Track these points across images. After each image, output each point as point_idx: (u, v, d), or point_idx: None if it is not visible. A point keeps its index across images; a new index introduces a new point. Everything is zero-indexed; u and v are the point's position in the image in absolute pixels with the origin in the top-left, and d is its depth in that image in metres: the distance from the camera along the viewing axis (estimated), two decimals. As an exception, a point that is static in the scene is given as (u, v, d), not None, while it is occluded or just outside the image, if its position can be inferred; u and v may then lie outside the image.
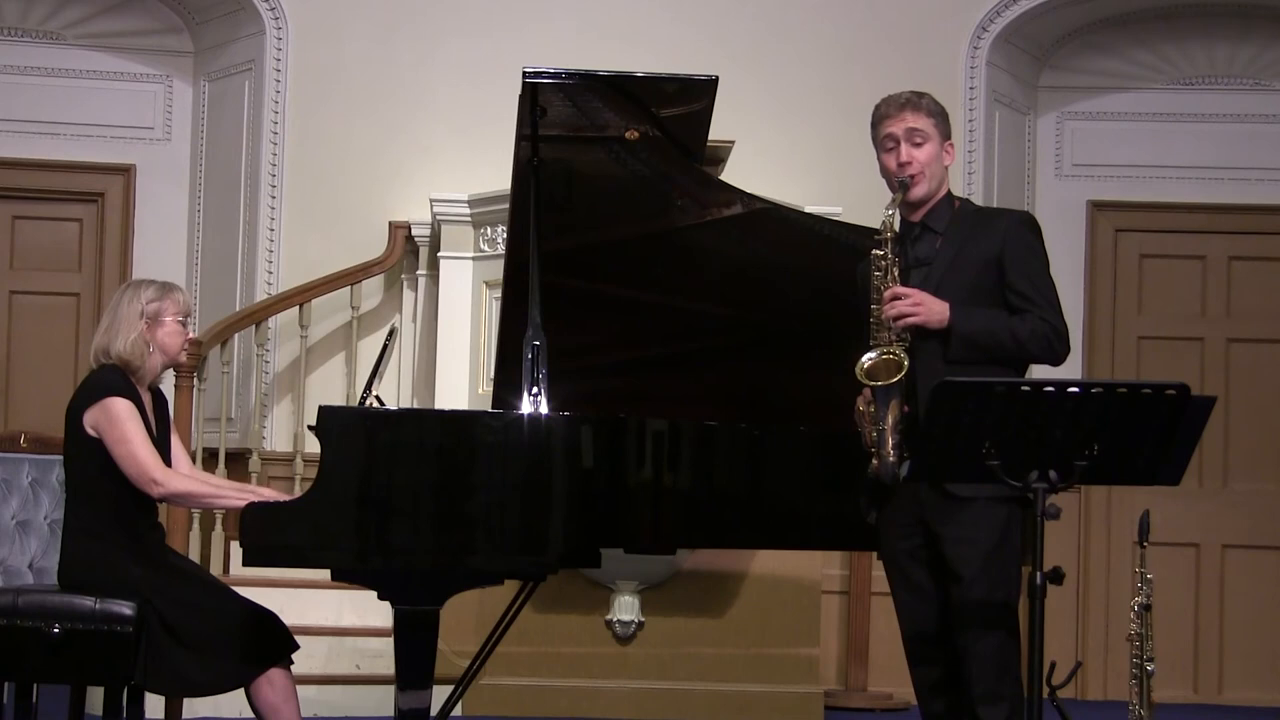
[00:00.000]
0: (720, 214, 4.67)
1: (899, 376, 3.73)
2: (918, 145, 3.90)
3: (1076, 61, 7.65)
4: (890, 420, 3.75)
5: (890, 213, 3.84)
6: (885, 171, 3.96)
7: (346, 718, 6.04)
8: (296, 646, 4.35)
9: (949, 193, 3.99)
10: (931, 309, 3.78)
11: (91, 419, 4.32)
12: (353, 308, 6.92)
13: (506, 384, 4.50)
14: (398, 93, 7.23)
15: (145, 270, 7.35)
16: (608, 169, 4.53)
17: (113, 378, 4.37)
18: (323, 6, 7.27)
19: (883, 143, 3.94)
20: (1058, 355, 3.85)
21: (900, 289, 3.80)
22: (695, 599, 6.24)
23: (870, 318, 3.82)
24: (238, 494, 4.36)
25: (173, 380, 5.53)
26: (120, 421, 4.30)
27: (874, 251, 3.84)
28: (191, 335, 4.63)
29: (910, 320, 3.78)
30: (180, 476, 4.43)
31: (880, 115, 3.95)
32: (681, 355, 4.85)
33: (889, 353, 3.76)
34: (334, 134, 7.21)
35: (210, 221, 7.44)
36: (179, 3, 7.47)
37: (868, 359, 3.78)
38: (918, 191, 3.90)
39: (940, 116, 3.94)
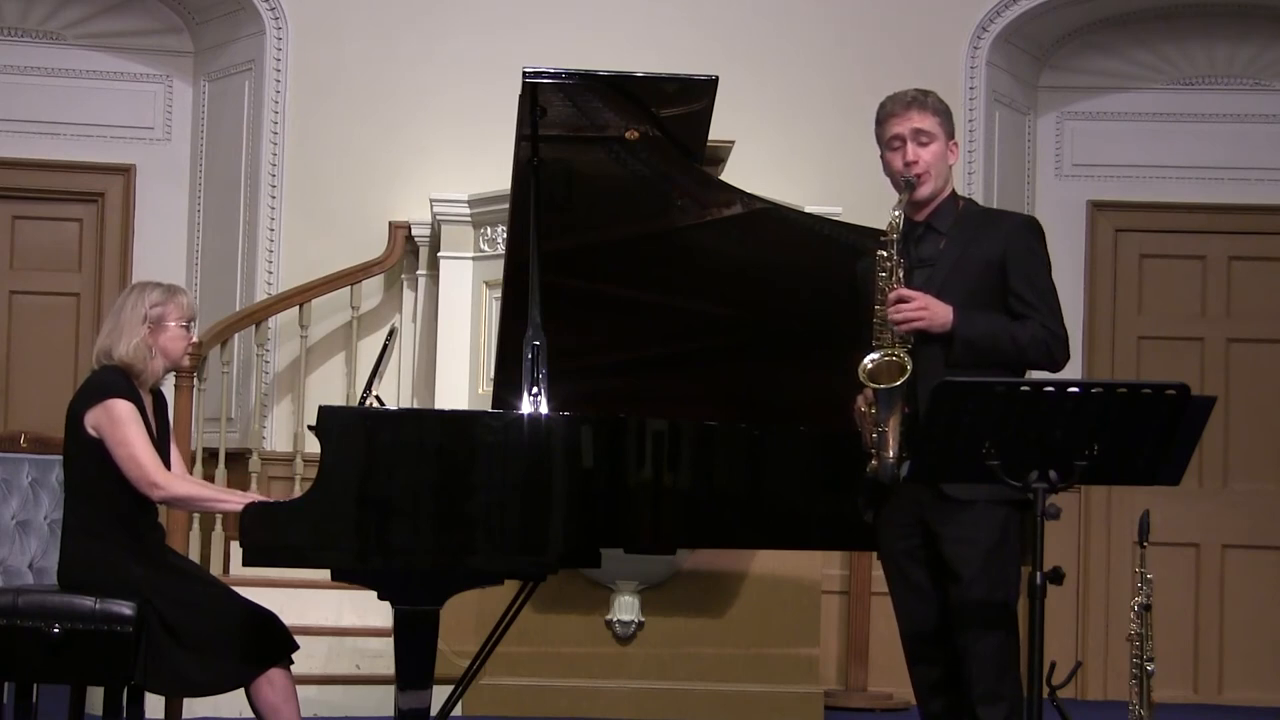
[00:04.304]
0: (720, 214, 4.67)
1: (902, 380, 3.73)
2: (924, 145, 3.89)
3: (1076, 61, 7.65)
4: (892, 422, 3.74)
5: (897, 213, 3.83)
6: (889, 170, 3.95)
7: (346, 718, 6.04)
8: (296, 647, 4.35)
9: (953, 192, 3.98)
10: (936, 313, 3.78)
11: (93, 419, 4.32)
12: (353, 308, 6.92)
13: (506, 384, 4.49)
14: (398, 93, 7.23)
15: (145, 270, 7.35)
16: (608, 169, 4.53)
17: (115, 379, 4.37)
18: (323, 6, 7.27)
19: (889, 142, 3.93)
20: (1057, 362, 3.86)
21: (905, 291, 3.79)
22: (695, 599, 6.24)
23: (874, 318, 3.82)
24: (237, 498, 4.36)
25: (173, 381, 5.52)
26: (122, 423, 4.30)
27: (879, 252, 3.83)
28: (194, 339, 4.63)
29: (915, 325, 3.77)
30: (180, 480, 4.45)
31: (885, 114, 3.94)
32: (681, 355, 4.85)
33: (892, 355, 3.76)
34: (334, 134, 7.21)
35: (210, 221, 7.44)
36: (179, 3, 7.47)
37: (870, 360, 3.77)
38: (923, 191, 3.89)
39: (945, 115, 3.93)
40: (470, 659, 5.00)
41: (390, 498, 3.97)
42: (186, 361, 4.81)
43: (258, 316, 6.81)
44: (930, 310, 3.78)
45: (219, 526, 6.52)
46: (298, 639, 4.39)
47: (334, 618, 6.32)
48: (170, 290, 4.50)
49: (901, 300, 3.78)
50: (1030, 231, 3.94)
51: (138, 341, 4.40)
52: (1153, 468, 3.54)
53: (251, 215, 7.22)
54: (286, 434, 7.01)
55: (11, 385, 7.48)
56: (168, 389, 4.73)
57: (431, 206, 6.67)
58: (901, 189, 3.88)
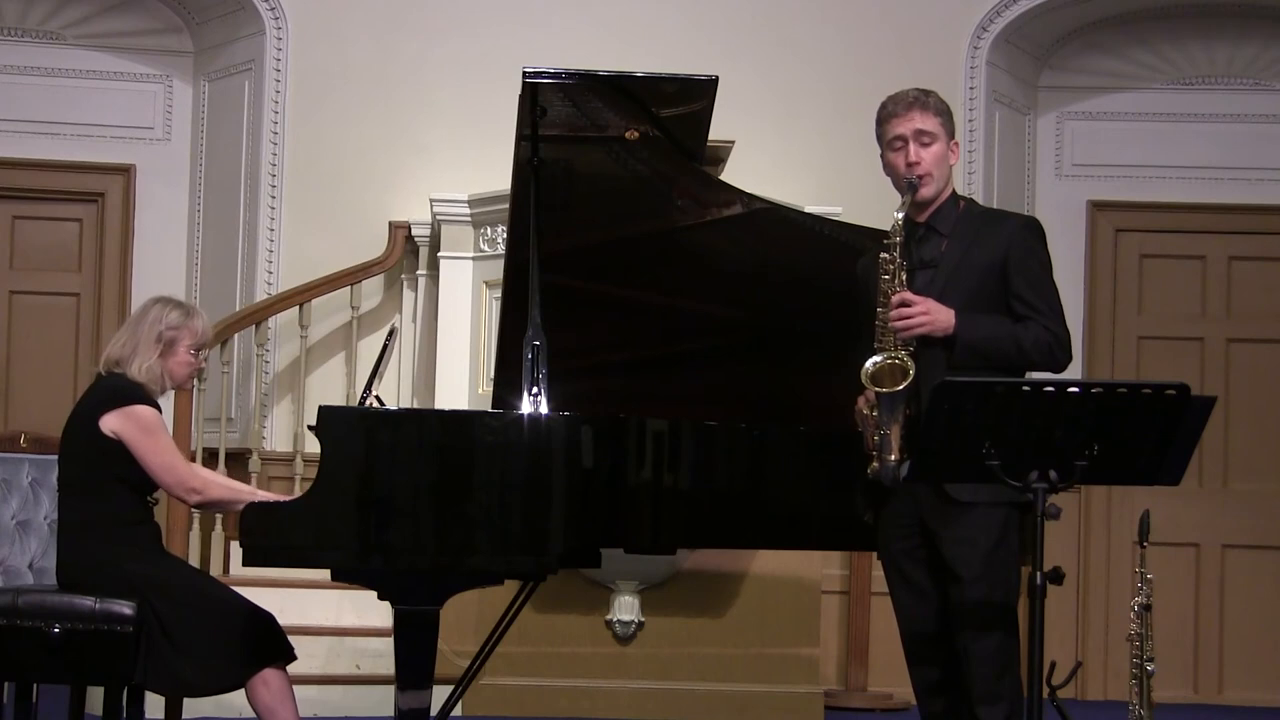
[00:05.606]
0: (720, 214, 4.67)
1: (905, 384, 3.72)
2: (925, 145, 3.88)
3: (1076, 61, 7.65)
4: (894, 426, 3.74)
5: (899, 215, 3.82)
6: (891, 170, 3.94)
7: (346, 718, 6.04)
8: (290, 649, 4.34)
9: (954, 193, 3.98)
10: (938, 318, 3.77)
11: (115, 424, 4.32)
12: (353, 308, 6.92)
13: (506, 384, 4.49)
14: (398, 93, 7.23)
15: (145, 270, 7.38)
16: (608, 169, 4.53)
17: (133, 386, 4.39)
18: (323, 6, 7.27)
19: (891, 143, 3.92)
20: (1059, 363, 3.85)
21: (908, 295, 3.78)
22: (695, 599, 6.24)
23: (876, 320, 3.81)
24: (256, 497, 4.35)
25: (172, 380, 5.54)
26: (155, 432, 4.33)
27: (881, 255, 3.82)
28: (202, 365, 4.65)
29: (918, 331, 3.77)
30: (215, 484, 4.46)
31: (887, 114, 3.93)
32: (681, 355, 4.84)
33: (894, 358, 3.75)
34: (334, 134, 7.21)
35: (210, 221, 7.44)
36: (179, 3, 7.47)
37: (873, 363, 3.76)
38: (926, 192, 3.88)
39: (946, 115, 3.93)
40: (470, 659, 5.00)
41: (390, 498, 3.97)
42: (189, 385, 4.86)
43: (258, 316, 6.81)
44: (932, 315, 3.77)
45: (219, 526, 6.53)
46: (298, 639, 4.38)
47: (334, 618, 6.32)
48: (189, 313, 4.51)
49: (904, 304, 3.77)
50: (1031, 233, 3.93)
51: (150, 364, 4.42)
52: (1153, 468, 3.54)
53: (251, 215, 7.22)
54: (286, 434, 7.01)
55: (11, 385, 7.48)
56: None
57: (431, 206, 6.67)
58: (904, 190, 3.87)
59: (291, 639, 4.37)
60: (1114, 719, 5.40)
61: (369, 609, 6.08)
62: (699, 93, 4.35)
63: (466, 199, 6.58)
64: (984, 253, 3.87)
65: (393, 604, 4.05)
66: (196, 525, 6.41)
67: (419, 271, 6.98)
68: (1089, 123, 7.64)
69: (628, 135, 4.45)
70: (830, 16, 7.33)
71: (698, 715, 6.15)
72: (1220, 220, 7.55)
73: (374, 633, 6.22)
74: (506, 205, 4.55)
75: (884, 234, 3.86)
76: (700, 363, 4.85)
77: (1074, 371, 6.90)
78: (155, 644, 4.21)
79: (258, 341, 6.88)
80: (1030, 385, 3.47)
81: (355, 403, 5.63)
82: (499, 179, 5.30)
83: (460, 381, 6.52)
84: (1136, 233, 7.62)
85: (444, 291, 6.66)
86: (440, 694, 4.57)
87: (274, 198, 7.19)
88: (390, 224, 6.99)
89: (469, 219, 6.59)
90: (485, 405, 5.42)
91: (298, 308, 6.85)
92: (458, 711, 5.70)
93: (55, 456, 4.58)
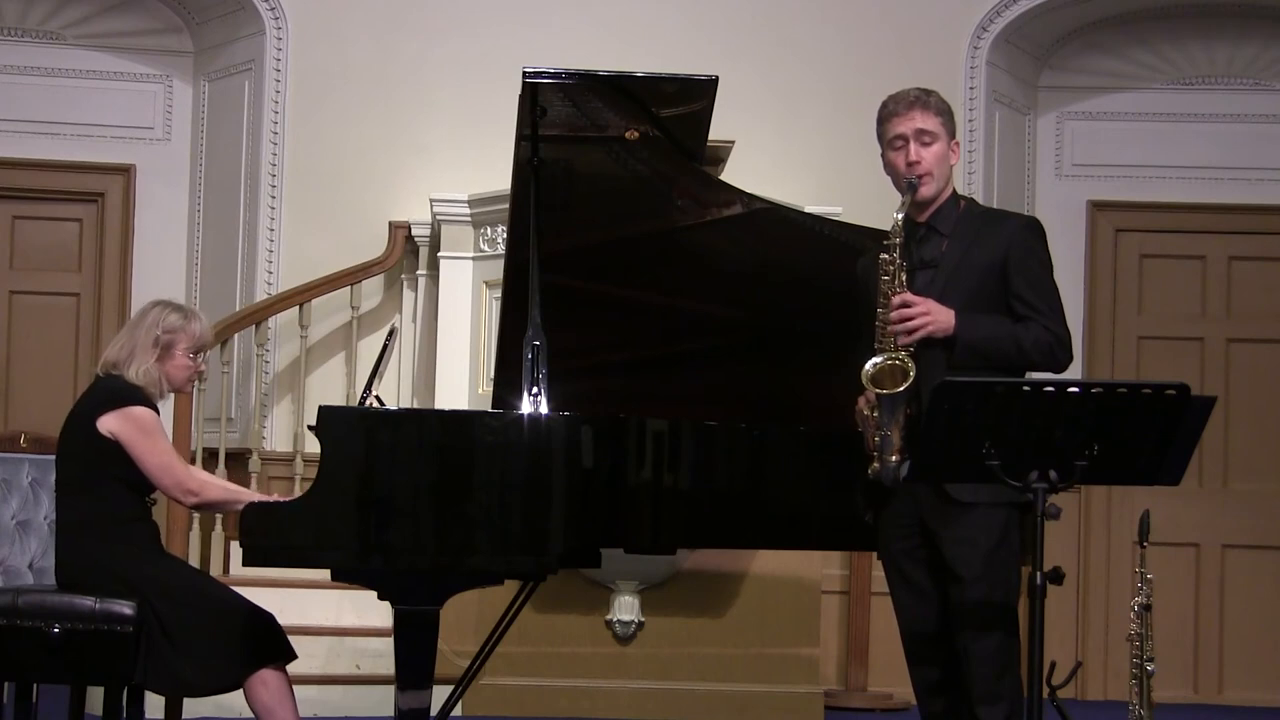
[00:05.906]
0: (720, 214, 4.66)
1: (905, 385, 3.72)
2: (926, 145, 3.87)
3: (1076, 61, 7.65)
4: (895, 427, 3.73)
5: (899, 216, 3.82)
6: (891, 169, 3.94)
7: (346, 718, 6.04)
8: (293, 652, 4.34)
9: (954, 192, 3.97)
10: (938, 319, 3.77)
11: (113, 424, 4.32)
12: (353, 308, 6.92)
13: (506, 384, 4.49)
14: (398, 93, 7.23)
15: (145, 270, 7.38)
16: (608, 169, 4.52)
17: (132, 387, 4.40)
18: (323, 6, 7.27)
19: (891, 142, 3.92)
20: (1060, 363, 3.85)
21: (909, 296, 3.77)
22: (695, 599, 6.24)
23: (876, 321, 3.81)
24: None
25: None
26: (153, 433, 4.34)
27: (881, 255, 3.82)
28: (202, 368, 4.65)
29: (920, 334, 3.76)
30: (212, 485, 4.47)
31: (888, 113, 3.93)
32: (681, 355, 4.84)
33: (895, 359, 3.74)
34: (334, 134, 7.21)
35: (210, 221, 7.44)
36: (179, 3, 7.47)
37: (873, 365, 3.76)
38: (926, 192, 3.88)
39: (947, 115, 3.93)
40: (470, 659, 5.00)
41: (390, 498, 3.97)
42: (189, 389, 4.88)
43: (258, 316, 6.82)
44: (933, 315, 3.77)
45: (219, 526, 6.53)
46: (298, 639, 4.38)
47: (334, 618, 6.32)
48: (187, 316, 4.51)
49: (905, 305, 3.77)
50: (1031, 232, 3.93)
51: (148, 367, 4.42)
52: (1153, 468, 3.54)
53: (251, 215, 7.22)
54: (286, 434, 7.01)
55: (11, 385, 7.48)
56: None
57: (431, 206, 6.67)
58: (904, 190, 3.87)
59: (291, 639, 4.37)
60: (1114, 719, 5.40)
61: (369, 609, 6.08)
62: (699, 93, 4.35)
63: (466, 199, 6.58)
64: (984, 253, 3.86)
65: (393, 604, 4.05)
66: (196, 525, 6.41)
67: (419, 271, 6.98)
68: (1089, 123, 7.64)
69: (628, 135, 4.45)
70: (830, 16, 7.33)
71: (698, 715, 6.15)
72: (1220, 220, 7.55)
73: (374, 633, 6.22)
74: (506, 205, 4.55)
75: (884, 234, 3.86)
76: (700, 363, 4.85)
77: (1074, 371, 6.88)
78: (155, 644, 4.21)
79: (258, 341, 6.88)
80: (1030, 385, 3.47)
81: (355, 403, 5.63)
82: (499, 179, 5.30)
83: (460, 381, 6.52)
84: (1136, 233, 7.62)
85: (444, 291, 6.66)
86: (440, 694, 4.57)
87: (274, 198, 7.19)
88: (390, 224, 6.99)
89: (469, 219, 6.59)
90: (485, 405, 5.41)
91: (298, 308, 6.85)
92: (458, 711, 5.70)
93: (54, 456, 4.58)
